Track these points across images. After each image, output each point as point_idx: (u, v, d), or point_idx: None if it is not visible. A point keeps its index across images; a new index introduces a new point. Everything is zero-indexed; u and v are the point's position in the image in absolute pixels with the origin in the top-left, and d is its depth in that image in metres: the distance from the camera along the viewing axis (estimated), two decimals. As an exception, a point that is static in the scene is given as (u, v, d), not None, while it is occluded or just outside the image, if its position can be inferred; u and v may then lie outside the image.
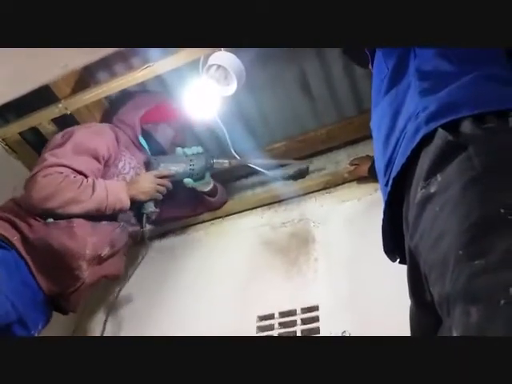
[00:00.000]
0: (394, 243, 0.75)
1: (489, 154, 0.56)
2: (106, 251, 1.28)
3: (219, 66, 1.17)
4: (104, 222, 1.27)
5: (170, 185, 1.36)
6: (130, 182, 1.32)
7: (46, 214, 1.17)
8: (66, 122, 1.49)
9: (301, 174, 1.59)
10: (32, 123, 1.46)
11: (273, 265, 1.38)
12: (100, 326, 1.49)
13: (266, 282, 1.35)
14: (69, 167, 1.19)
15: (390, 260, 0.79)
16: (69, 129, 1.31)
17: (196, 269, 1.50)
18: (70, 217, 1.19)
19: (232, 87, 1.20)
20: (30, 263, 1.16)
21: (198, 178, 1.42)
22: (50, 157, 1.20)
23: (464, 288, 0.48)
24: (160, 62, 1.27)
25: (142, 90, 1.50)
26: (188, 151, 1.40)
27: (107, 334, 1.45)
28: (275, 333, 1.21)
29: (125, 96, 1.46)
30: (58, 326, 1.41)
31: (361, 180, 1.44)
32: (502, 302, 0.43)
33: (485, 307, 0.45)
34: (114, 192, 1.23)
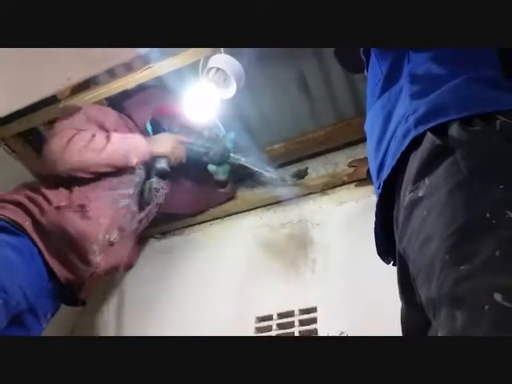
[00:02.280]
0: (387, 245, 0.75)
1: (475, 157, 0.56)
2: (114, 235, 1.27)
3: (218, 69, 1.17)
4: (114, 204, 1.27)
5: (184, 154, 1.39)
6: (148, 139, 1.35)
7: (67, 174, 1.19)
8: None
9: (300, 175, 1.60)
10: (32, 123, 1.46)
11: (271, 266, 1.39)
12: (98, 326, 1.50)
13: (264, 283, 1.35)
14: (78, 129, 1.22)
15: (383, 262, 0.80)
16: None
17: (194, 270, 1.51)
18: (86, 172, 1.20)
19: (231, 90, 1.20)
20: (43, 250, 1.13)
21: (215, 162, 1.44)
22: (58, 124, 1.24)
23: (450, 292, 0.48)
24: (160, 64, 1.28)
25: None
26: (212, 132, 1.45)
27: (105, 333, 1.46)
28: (273, 334, 1.22)
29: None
30: (55, 325, 1.42)
31: (359, 182, 1.44)
32: (487, 307, 0.43)
33: (470, 312, 0.45)
34: (132, 141, 1.26)
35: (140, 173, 1.36)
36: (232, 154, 1.42)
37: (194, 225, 1.66)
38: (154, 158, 1.35)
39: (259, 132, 1.63)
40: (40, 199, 1.16)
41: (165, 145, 1.35)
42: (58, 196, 1.18)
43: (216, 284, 1.42)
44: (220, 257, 1.51)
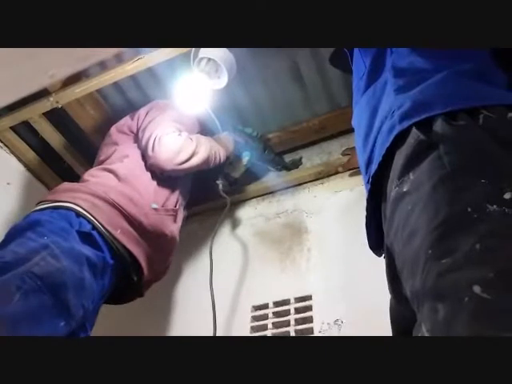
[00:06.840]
0: (379, 239, 0.75)
1: (458, 152, 0.56)
2: None
3: (210, 59, 1.16)
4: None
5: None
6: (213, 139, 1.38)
7: (170, 173, 1.20)
8: (57, 115, 1.48)
9: (294, 165, 1.60)
10: (23, 117, 1.45)
11: (267, 255, 1.40)
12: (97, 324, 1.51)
13: (260, 272, 1.37)
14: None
15: (375, 255, 0.81)
16: (157, 103, 1.35)
17: (191, 261, 1.52)
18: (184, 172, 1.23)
19: (223, 80, 1.20)
20: (138, 254, 1.08)
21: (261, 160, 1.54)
22: (165, 121, 1.24)
23: (432, 286, 0.49)
24: (151, 55, 1.27)
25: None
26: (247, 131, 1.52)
27: (103, 332, 1.46)
28: (269, 322, 1.23)
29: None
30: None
31: (353, 171, 1.45)
32: (466, 299, 0.45)
33: (451, 304, 0.46)
34: (212, 142, 1.31)
35: None
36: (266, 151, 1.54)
37: (190, 216, 1.66)
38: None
39: (253, 121, 1.62)
40: (138, 198, 1.12)
41: (231, 146, 1.42)
42: (151, 195, 1.17)
43: (213, 274, 1.43)
44: (216, 248, 1.51)
